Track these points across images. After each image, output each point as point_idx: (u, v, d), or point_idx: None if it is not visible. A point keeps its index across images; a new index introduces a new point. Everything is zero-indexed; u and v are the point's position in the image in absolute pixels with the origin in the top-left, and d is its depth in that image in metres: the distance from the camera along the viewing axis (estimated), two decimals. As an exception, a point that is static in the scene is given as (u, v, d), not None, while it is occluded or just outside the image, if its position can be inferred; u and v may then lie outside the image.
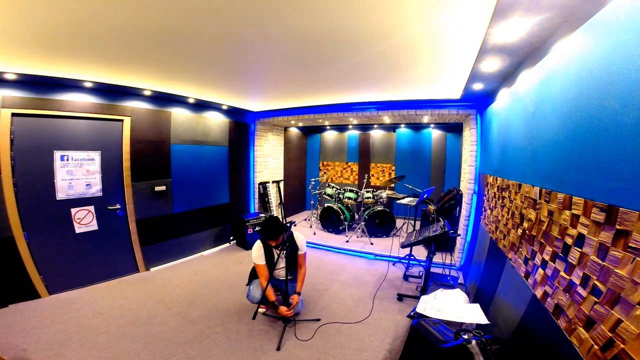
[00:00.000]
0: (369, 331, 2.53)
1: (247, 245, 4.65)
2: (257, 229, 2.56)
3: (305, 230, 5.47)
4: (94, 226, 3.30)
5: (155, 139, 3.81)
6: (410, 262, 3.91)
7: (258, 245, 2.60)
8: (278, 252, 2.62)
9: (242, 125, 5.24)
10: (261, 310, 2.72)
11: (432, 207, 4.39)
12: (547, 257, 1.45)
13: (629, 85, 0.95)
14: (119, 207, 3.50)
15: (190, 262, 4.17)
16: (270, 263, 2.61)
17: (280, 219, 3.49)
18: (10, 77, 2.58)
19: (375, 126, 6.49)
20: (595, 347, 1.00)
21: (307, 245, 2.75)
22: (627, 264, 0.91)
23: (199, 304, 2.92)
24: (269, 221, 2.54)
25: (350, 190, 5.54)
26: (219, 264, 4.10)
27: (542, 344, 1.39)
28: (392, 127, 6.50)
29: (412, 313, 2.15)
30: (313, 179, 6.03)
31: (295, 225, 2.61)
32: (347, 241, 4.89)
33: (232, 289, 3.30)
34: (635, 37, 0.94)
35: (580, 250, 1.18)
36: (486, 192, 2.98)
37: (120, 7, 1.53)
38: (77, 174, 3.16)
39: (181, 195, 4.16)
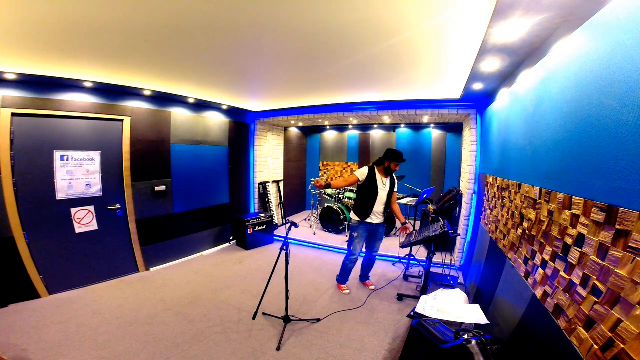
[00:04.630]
0: (369, 331, 2.53)
1: (247, 245, 4.65)
2: (390, 154, 3.11)
3: (305, 230, 5.47)
4: (94, 226, 3.30)
5: (155, 139, 3.81)
6: (410, 262, 3.91)
7: (365, 169, 3.11)
8: (385, 181, 3.13)
9: (242, 125, 5.24)
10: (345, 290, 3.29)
11: (432, 207, 4.39)
12: (547, 257, 1.45)
13: (629, 85, 0.95)
14: (119, 207, 3.50)
15: (190, 262, 4.17)
16: (374, 186, 3.07)
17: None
18: (10, 77, 2.58)
19: (375, 126, 6.49)
20: (595, 347, 1.00)
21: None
22: (627, 264, 0.91)
23: (199, 304, 2.92)
24: (397, 150, 3.13)
25: (350, 190, 5.54)
26: (219, 264, 4.10)
27: (542, 344, 1.39)
28: (392, 127, 6.50)
29: (412, 313, 2.15)
30: (313, 179, 6.02)
31: (297, 227, 2.62)
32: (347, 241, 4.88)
33: (232, 289, 3.29)
34: (635, 37, 0.94)
35: (580, 250, 1.18)
36: (486, 192, 2.98)
37: (121, 5, 1.54)
38: (77, 174, 3.16)
39: (181, 195, 4.16)
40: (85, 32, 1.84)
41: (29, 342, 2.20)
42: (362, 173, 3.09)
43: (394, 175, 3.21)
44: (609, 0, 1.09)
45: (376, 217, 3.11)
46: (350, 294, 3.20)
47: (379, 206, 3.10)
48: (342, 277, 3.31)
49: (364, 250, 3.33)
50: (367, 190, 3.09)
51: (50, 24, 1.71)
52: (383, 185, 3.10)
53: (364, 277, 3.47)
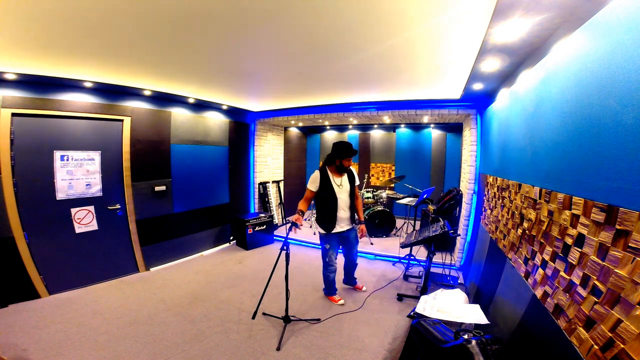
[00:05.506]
0: (369, 331, 2.53)
1: (247, 245, 4.65)
2: (337, 150, 2.69)
3: (305, 230, 5.47)
4: (94, 226, 3.30)
5: (155, 139, 3.81)
6: (410, 262, 3.91)
7: (316, 174, 2.74)
8: (340, 181, 2.73)
9: (242, 125, 5.24)
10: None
11: (432, 207, 4.39)
12: (547, 257, 1.45)
13: (629, 85, 0.95)
14: (119, 207, 3.50)
15: (190, 262, 4.17)
16: (330, 192, 2.69)
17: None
18: (10, 77, 2.58)
19: (375, 126, 6.49)
20: (595, 347, 1.00)
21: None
22: (627, 264, 0.91)
23: (199, 304, 2.92)
24: (345, 142, 2.70)
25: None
26: (219, 264, 4.10)
27: (542, 344, 1.39)
28: (392, 127, 6.50)
29: (412, 313, 2.15)
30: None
31: (297, 227, 2.61)
32: (347, 241, 4.87)
33: (232, 289, 3.29)
34: (635, 37, 0.94)
35: (580, 250, 1.18)
36: (486, 192, 2.98)
37: (120, 6, 1.54)
38: (77, 174, 3.16)
39: (181, 195, 4.16)
40: (84, 30, 1.83)
41: (29, 342, 2.20)
42: (313, 182, 2.71)
43: (351, 169, 2.86)
44: (609, 0, 1.09)
45: (344, 224, 2.80)
46: (350, 294, 3.19)
47: (343, 212, 2.75)
48: (330, 289, 3.01)
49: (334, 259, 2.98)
50: (324, 198, 2.71)
51: (51, 24, 1.71)
52: (339, 186, 2.72)
53: (350, 280, 3.25)
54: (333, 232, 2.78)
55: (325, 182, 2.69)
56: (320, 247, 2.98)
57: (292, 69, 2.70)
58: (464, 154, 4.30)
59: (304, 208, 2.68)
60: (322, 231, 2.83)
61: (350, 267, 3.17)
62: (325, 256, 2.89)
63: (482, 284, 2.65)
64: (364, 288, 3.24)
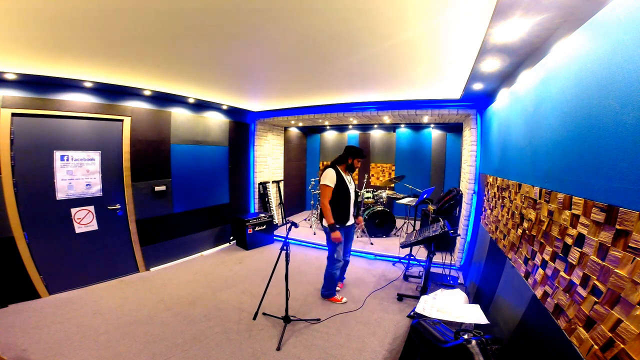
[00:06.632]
0: (369, 331, 2.53)
1: (247, 245, 4.65)
2: (352, 150, 2.90)
3: (305, 230, 5.47)
4: (94, 226, 3.30)
5: (155, 139, 3.81)
6: (410, 262, 3.91)
7: (332, 171, 2.82)
8: (349, 178, 2.94)
9: (242, 125, 5.25)
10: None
11: (432, 207, 4.39)
12: (547, 257, 1.45)
13: (629, 85, 0.95)
14: (119, 207, 3.50)
15: (190, 262, 4.17)
16: (345, 188, 2.85)
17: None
18: (10, 77, 2.58)
19: (375, 126, 6.49)
20: (595, 347, 1.00)
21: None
22: (627, 264, 0.91)
23: (199, 304, 2.92)
24: (357, 146, 2.95)
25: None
26: (219, 264, 4.10)
27: (542, 344, 1.39)
28: (392, 127, 6.50)
29: (412, 313, 2.15)
30: (313, 179, 6.03)
31: (297, 227, 2.61)
32: (347, 241, 4.88)
33: (232, 289, 3.29)
34: (635, 37, 0.94)
35: (580, 250, 1.18)
36: (486, 192, 2.98)
37: (120, 6, 1.54)
38: (77, 174, 3.16)
39: (181, 195, 4.16)
40: (84, 29, 1.84)
41: (29, 342, 2.20)
42: (331, 179, 2.78)
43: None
44: (609, 0, 1.09)
45: (351, 219, 2.97)
46: (350, 294, 3.20)
47: (352, 207, 2.94)
48: (332, 289, 3.04)
49: None
50: (339, 194, 2.82)
51: (51, 24, 1.71)
52: (349, 183, 2.91)
53: (340, 276, 3.26)
54: (346, 225, 2.93)
55: (340, 179, 2.84)
56: (326, 246, 3.03)
57: (293, 69, 2.70)
58: (464, 154, 4.30)
59: (325, 209, 2.76)
60: (337, 225, 2.84)
61: (345, 265, 3.21)
62: (334, 252, 2.89)
63: (482, 284, 2.65)
64: (343, 300, 3.04)
